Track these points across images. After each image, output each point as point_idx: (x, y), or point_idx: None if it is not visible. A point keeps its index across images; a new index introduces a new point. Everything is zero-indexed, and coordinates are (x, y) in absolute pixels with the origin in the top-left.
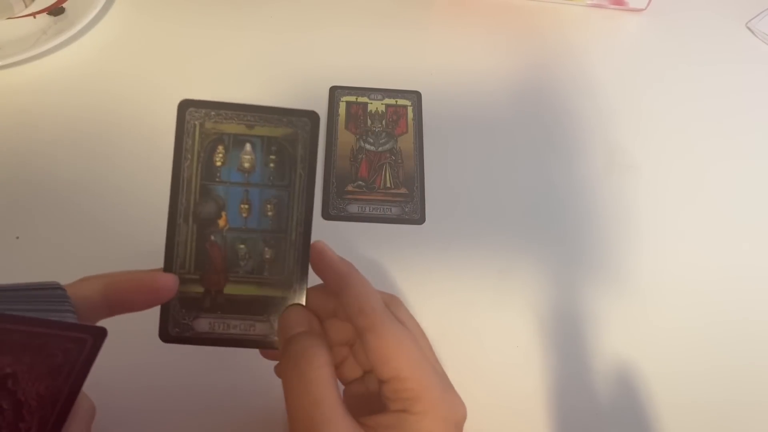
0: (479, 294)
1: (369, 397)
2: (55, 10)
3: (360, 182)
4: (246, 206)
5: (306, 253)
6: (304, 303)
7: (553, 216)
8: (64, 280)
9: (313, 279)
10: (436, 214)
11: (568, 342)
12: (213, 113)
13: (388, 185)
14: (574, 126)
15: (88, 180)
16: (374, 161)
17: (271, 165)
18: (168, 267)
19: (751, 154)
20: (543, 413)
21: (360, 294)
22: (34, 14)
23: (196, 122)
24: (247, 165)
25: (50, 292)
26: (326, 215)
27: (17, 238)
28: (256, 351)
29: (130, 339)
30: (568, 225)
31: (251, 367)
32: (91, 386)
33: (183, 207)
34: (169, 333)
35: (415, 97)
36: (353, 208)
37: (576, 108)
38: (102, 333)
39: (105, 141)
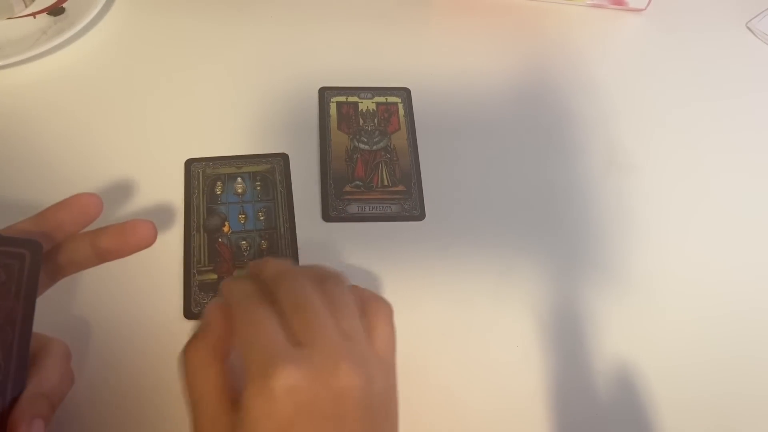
0: (480, 291)
1: None
2: (55, 10)
3: (357, 182)
4: (243, 216)
5: (293, 241)
6: None
7: (552, 215)
8: (70, 283)
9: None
10: (436, 210)
11: (568, 341)
12: (211, 163)
13: (386, 183)
14: (574, 126)
15: (88, 180)
16: (370, 160)
17: (258, 188)
18: (187, 264)
19: (751, 153)
20: (543, 413)
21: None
22: (34, 14)
23: (199, 170)
24: (240, 190)
25: None
26: (326, 217)
27: None
28: None
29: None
30: (567, 224)
31: None
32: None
33: (195, 223)
34: (192, 311)
35: (405, 93)
36: (353, 209)
37: (576, 108)
38: (37, 245)
39: (105, 142)
